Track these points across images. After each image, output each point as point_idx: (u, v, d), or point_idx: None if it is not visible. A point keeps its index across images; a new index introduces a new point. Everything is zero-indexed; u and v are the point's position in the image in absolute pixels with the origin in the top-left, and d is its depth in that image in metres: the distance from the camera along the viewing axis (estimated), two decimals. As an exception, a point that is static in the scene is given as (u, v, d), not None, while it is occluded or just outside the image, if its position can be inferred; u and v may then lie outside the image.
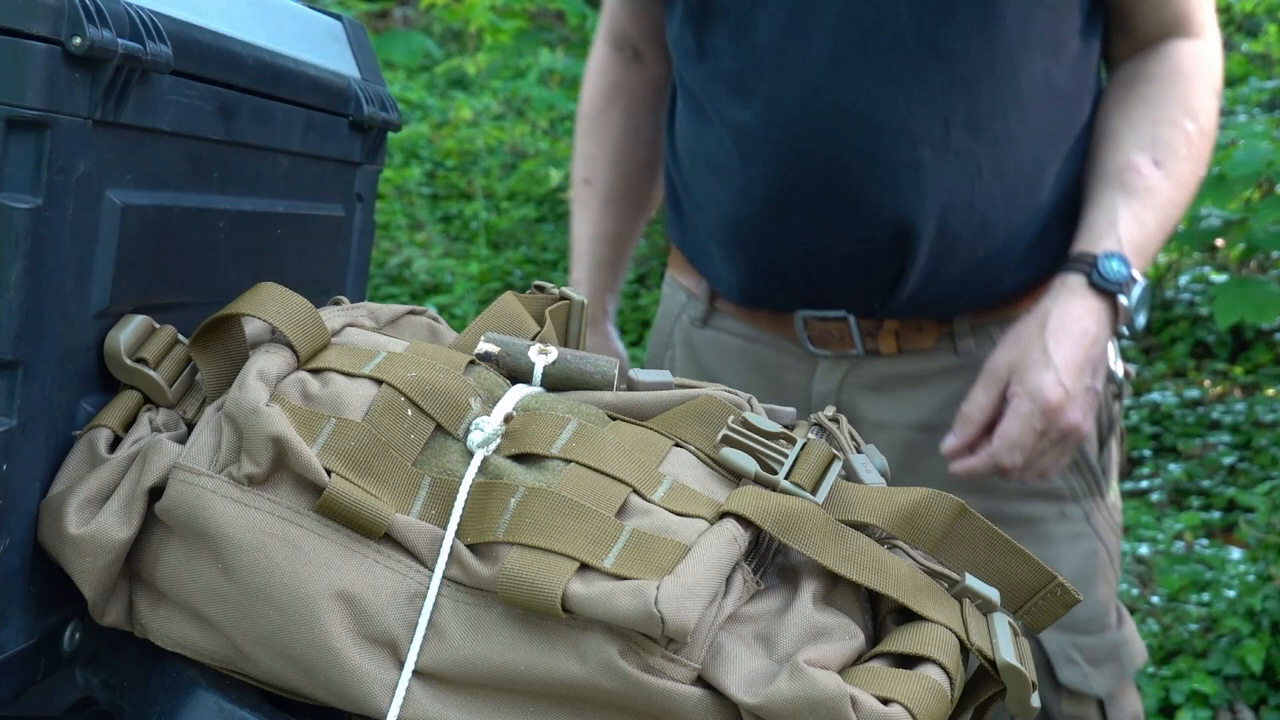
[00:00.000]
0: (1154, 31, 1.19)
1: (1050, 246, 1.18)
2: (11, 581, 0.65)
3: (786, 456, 0.67)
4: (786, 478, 0.66)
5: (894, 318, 1.21)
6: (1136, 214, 1.12)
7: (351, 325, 0.75)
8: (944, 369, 1.22)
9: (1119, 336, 1.13)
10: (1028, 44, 1.13)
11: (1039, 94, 1.15)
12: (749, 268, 1.22)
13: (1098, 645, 1.22)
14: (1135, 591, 2.61)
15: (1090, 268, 1.10)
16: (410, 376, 0.68)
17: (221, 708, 0.67)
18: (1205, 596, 2.54)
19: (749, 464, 0.67)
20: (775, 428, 0.69)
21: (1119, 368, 1.24)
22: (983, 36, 1.11)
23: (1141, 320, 1.12)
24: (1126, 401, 3.61)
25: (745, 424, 0.69)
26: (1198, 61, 1.18)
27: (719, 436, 0.68)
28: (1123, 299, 1.10)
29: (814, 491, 0.66)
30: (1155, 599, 2.59)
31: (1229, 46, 4.83)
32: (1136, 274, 1.10)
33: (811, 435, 0.71)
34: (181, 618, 0.67)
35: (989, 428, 1.11)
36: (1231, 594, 2.48)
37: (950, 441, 1.12)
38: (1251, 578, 2.49)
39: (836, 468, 0.68)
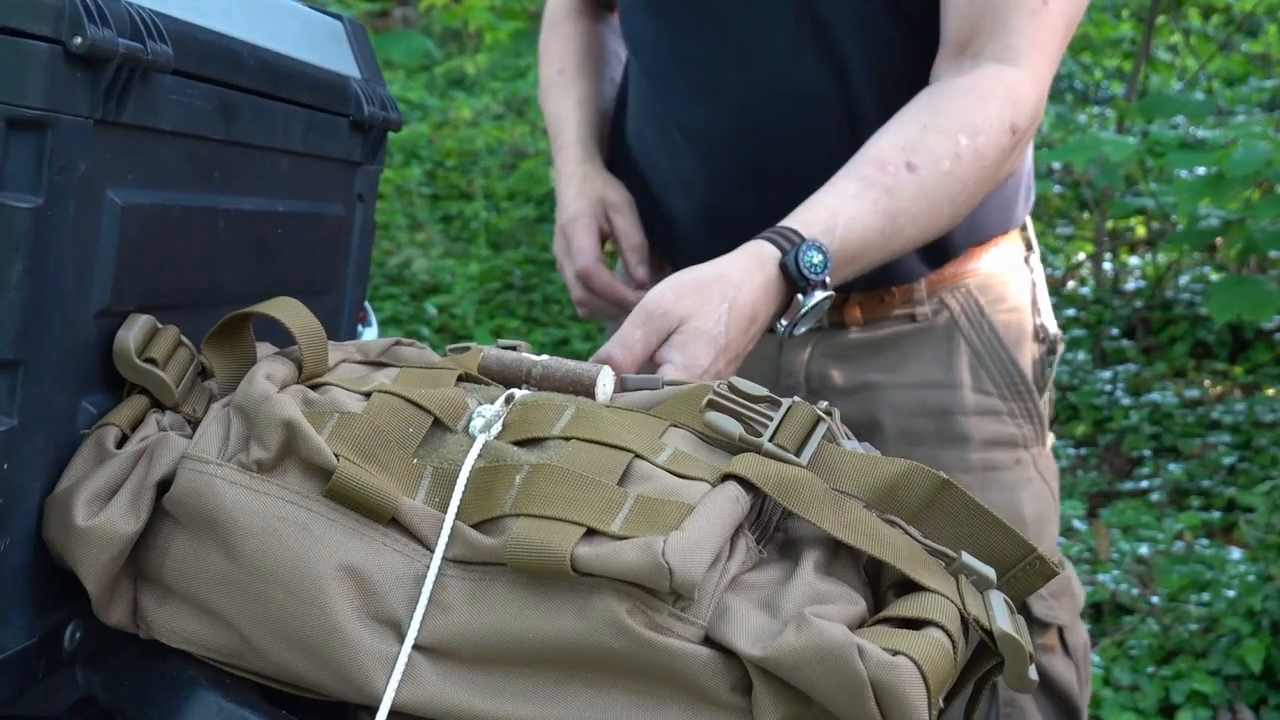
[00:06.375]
0: (964, 40, 1.12)
1: (989, 202, 1.20)
2: (12, 581, 0.65)
3: (771, 419, 0.68)
4: (771, 440, 0.67)
5: (860, 290, 1.24)
6: (865, 213, 1.03)
7: (345, 360, 0.78)
8: (902, 334, 1.27)
9: (771, 331, 1.03)
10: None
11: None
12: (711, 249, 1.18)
13: (1056, 580, 1.26)
14: (1135, 591, 2.61)
15: (792, 249, 0.99)
16: (407, 390, 0.71)
17: (221, 707, 0.67)
18: (1205, 596, 2.54)
19: (733, 426, 0.68)
20: (761, 391, 0.70)
21: (1052, 326, 1.31)
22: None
23: (800, 330, 1.03)
24: (1126, 400, 3.61)
25: (731, 388, 0.70)
26: (1001, 85, 1.09)
27: (704, 401, 0.69)
28: (800, 298, 1.00)
29: (798, 453, 0.67)
30: (1155, 599, 2.59)
31: (1229, 46, 4.83)
32: (829, 280, 1.00)
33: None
34: (188, 612, 0.68)
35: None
36: (1231, 594, 2.48)
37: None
38: (1251, 578, 2.49)
39: (821, 430, 0.69)
